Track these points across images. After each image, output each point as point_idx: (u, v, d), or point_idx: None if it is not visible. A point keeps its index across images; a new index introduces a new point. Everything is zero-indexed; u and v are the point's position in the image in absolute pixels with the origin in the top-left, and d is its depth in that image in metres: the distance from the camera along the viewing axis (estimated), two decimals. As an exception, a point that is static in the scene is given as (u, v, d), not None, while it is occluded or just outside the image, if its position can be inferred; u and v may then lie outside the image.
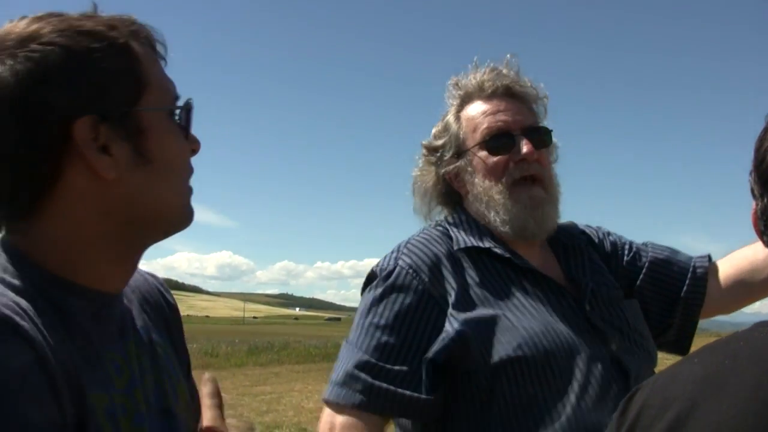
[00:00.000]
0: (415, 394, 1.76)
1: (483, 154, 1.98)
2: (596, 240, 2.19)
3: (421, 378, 1.78)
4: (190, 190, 1.22)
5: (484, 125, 1.98)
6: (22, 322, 0.94)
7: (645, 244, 2.22)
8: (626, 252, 2.18)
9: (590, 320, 1.87)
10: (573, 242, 2.10)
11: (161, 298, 1.39)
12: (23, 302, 0.99)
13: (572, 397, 1.72)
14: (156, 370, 1.22)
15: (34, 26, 1.07)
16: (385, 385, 1.77)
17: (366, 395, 1.77)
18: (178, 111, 1.19)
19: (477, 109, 2.03)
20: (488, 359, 1.76)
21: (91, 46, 1.07)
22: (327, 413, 1.84)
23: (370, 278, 1.95)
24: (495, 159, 1.96)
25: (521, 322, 1.79)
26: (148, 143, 1.12)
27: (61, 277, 1.08)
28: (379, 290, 1.88)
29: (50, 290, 1.06)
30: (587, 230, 2.22)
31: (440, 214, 2.14)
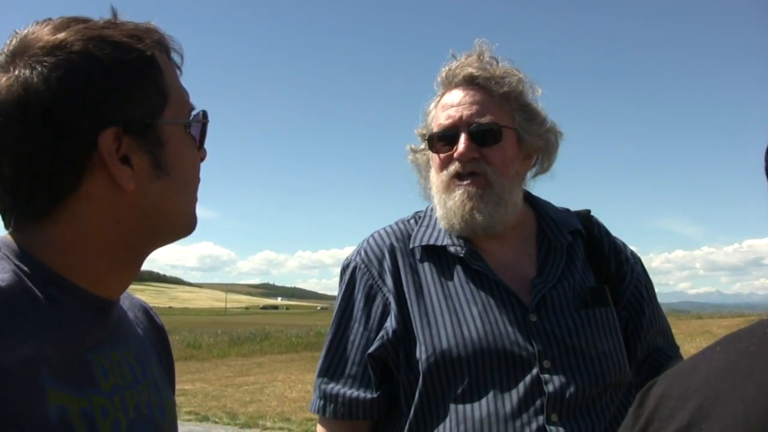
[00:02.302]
0: (363, 394, 1.87)
1: (434, 148, 1.99)
2: (606, 247, 2.06)
3: (369, 375, 1.88)
4: (196, 200, 1.23)
5: (439, 120, 1.99)
6: None
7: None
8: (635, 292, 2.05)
9: (529, 333, 1.81)
10: (558, 240, 1.99)
11: (149, 318, 1.41)
12: (3, 293, 0.99)
13: (484, 408, 1.75)
14: (147, 381, 1.22)
15: (62, 33, 1.07)
16: (336, 388, 1.90)
17: (324, 400, 1.92)
18: (194, 123, 1.20)
19: (443, 100, 2.02)
20: (410, 358, 1.83)
21: (120, 57, 1.07)
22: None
23: (340, 272, 2.05)
24: (441, 155, 1.96)
25: (448, 326, 1.82)
26: (166, 155, 1.13)
27: (61, 277, 1.08)
28: (340, 287, 2.01)
29: (47, 287, 1.05)
30: (600, 230, 2.10)
31: None
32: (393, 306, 1.87)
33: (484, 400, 1.75)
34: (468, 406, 1.75)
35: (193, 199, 1.21)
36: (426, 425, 1.80)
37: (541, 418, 1.73)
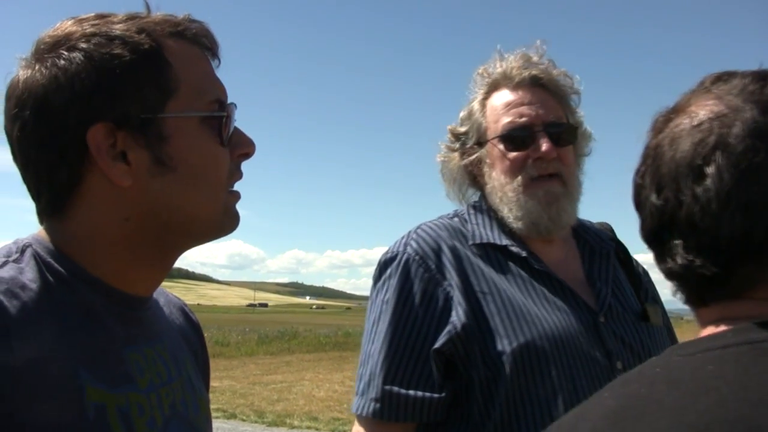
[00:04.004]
0: (427, 394, 1.75)
1: (501, 147, 1.92)
2: (632, 260, 2.10)
3: (431, 374, 1.76)
4: (232, 196, 1.18)
5: (506, 118, 1.92)
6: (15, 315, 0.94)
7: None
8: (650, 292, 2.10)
9: (600, 333, 1.81)
10: (601, 247, 2.02)
11: (185, 315, 1.40)
12: (36, 292, 0.99)
13: (558, 410, 1.68)
14: (182, 378, 1.22)
15: (69, 30, 1.08)
16: (396, 388, 1.76)
17: (381, 402, 1.77)
18: (211, 115, 1.14)
19: (502, 99, 1.95)
20: (486, 353, 1.73)
21: (112, 52, 1.06)
22: (354, 426, 1.86)
23: (380, 265, 1.92)
24: (513, 154, 1.90)
25: (528, 319, 1.75)
26: (171, 150, 1.09)
27: (89, 274, 1.08)
28: (385, 280, 1.87)
29: (77, 285, 1.06)
30: (623, 243, 2.12)
31: (474, 195, 2.07)
32: (459, 299, 1.77)
33: (573, 396, 1.69)
34: (560, 403, 1.69)
35: (213, 196, 1.15)
36: (512, 421, 1.70)
37: None
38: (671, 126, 0.96)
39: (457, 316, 1.76)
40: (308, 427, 11.92)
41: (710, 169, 0.89)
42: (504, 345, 1.71)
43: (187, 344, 1.35)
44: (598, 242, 2.02)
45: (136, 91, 1.07)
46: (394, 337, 1.79)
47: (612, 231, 2.12)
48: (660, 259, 0.98)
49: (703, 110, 0.94)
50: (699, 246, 0.91)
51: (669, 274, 0.97)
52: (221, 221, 1.17)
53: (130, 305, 1.13)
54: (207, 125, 1.13)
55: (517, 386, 1.70)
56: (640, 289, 2.04)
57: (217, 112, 1.15)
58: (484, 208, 1.98)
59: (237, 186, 1.20)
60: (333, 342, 31.90)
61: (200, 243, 1.19)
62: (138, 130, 1.07)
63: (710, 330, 0.93)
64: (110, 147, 1.06)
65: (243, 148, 1.19)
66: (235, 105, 1.18)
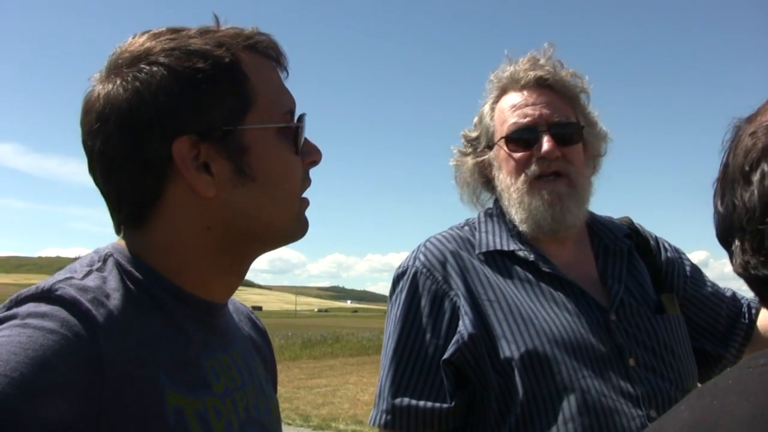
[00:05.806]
0: (437, 404, 1.78)
1: (507, 148, 1.94)
2: (653, 248, 2.11)
3: (442, 384, 1.79)
4: (303, 203, 1.22)
5: (511, 119, 1.94)
6: (99, 318, 0.97)
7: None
8: (687, 272, 2.11)
9: (611, 331, 1.81)
10: (615, 245, 2.02)
11: (253, 324, 1.45)
12: (120, 300, 1.03)
13: (570, 410, 1.70)
14: (254, 383, 1.26)
15: (147, 45, 1.11)
16: (406, 400, 1.80)
17: (390, 414, 1.82)
18: (287, 126, 1.18)
19: (509, 101, 1.98)
20: (496, 360, 1.75)
21: (195, 66, 1.08)
22: None
23: (393, 280, 1.96)
24: (517, 155, 1.92)
25: (536, 323, 1.77)
26: (251, 160, 1.12)
27: (169, 281, 1.12)
28: (397, 294, 1.91)
29: (157, 292, 1.10)
30: (645, 234, 2.13)
31: (490, 200, 2.09)
32: (466, 309, 1.80)
33: (584, 396, 1.71)
34: (572, 402, 1.70)
35: (289, 204, 1.19)
36: (527, 423, 1.72)
37: (642, 413, 1.72)
38: (740, 135, 0.99)
39: (464, 325, 1.79)
40: (354, 431, 11.94)
41: (756, 176, 0.91)
42: (512, 351, 1.74)
43: (257, 350, 1.40)
44: (613, 239, 2.03)
45: (219, 103, 1.10)
46: (405, 350, 1.84)
47: (632, 223, 2.13)
48: (730, 260, 1.00)
49: (764, 117, 0.96)
50: (752, 248, 0.93)
51: (738, 275, 0.98)
52: (294, 228, 1.21)
53: (207, 312, 1.17)
54: (282, 135, 1.17)
55: (528, 390, 1.72)
56: (662, 280, 2.04)
57: (292, 123, 1.19)
58: (497, 213, 2.01)
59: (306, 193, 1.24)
60: (376, 345, 31.74)
61: (273, 249, 1.23)
62: (220, 142, 1.10)
63: None
64: (194, 158, 1.09)
65: (312, 156, 1.23)
66: (305, 114, 1.21)
